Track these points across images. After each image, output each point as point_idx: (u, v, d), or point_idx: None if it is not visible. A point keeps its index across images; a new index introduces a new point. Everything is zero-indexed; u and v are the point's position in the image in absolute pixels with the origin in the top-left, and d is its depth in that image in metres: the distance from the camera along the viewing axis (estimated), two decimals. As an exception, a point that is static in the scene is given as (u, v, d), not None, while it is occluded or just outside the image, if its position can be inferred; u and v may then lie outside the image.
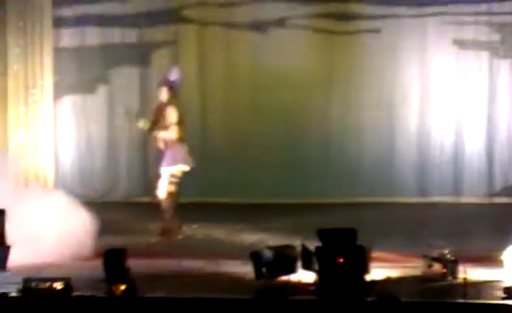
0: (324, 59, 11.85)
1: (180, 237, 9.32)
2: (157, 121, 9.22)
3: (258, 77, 11.84)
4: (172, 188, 9.19)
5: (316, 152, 11.87)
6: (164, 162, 9.21)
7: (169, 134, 9.14)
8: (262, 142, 11.52)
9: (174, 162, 9.16)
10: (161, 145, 9.30)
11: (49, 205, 8.31)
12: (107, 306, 6.65)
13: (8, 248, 7.20)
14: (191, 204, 11.14)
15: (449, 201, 11.70)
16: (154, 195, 9.38)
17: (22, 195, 8.44)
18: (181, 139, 9.18)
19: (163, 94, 9.14)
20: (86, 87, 12.37)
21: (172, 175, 9.18)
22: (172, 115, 9.08)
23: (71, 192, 9.58)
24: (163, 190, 9.22)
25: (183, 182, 9.43)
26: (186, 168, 9.24)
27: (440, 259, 7.23)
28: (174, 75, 9.23)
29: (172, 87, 9.17)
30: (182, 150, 9.19)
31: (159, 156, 9.36)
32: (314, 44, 11.84)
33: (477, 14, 11.68)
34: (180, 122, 9.17)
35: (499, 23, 11.66)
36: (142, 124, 9.30)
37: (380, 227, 9.57)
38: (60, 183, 11.13)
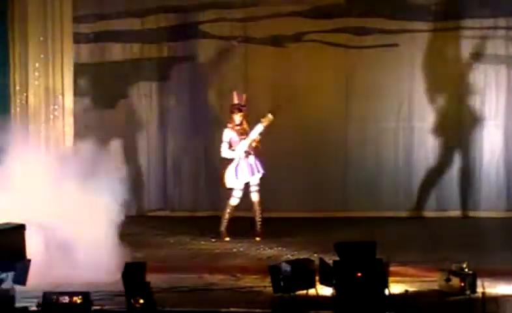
0: (341, 73, 11.85)
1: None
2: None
3: (276, 91, 11.85)
4: (257, 196, 10.21)
5: (334, 165, 11.87)
6: (260, 170, 10.12)
7: (243, 146, 10.12)
8: (279, 155, 11.54)
9: (254, 171, 10.15)
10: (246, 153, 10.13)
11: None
12: (126, 319, 6.70)
13: (28, 262, 7.25)
14: (209, 217, 11.21)
15: (466, 215, 11.69)
16: (253, 202, 10.17)
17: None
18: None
19: (239, 118, 10.10)
20: (106, 101, 12.45)
21: (248, 184, 10.19)
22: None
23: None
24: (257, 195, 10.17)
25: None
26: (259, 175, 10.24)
27: (458, 273, 7.22)
28: (243, 100, 10.19)
29: (242, 111, 10.14)
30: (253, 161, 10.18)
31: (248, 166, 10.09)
32: (332, 58, 11.85)
33: (495, 28, 11.67)
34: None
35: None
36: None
37: (398, 241, 9.57)
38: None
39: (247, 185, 10.16)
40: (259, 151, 10.20)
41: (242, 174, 10.07)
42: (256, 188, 10.14)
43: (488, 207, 11.66)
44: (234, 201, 10.13)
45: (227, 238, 10.11)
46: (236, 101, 10.17)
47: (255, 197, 10.15)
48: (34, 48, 11.61)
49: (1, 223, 7.49)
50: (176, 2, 12.18)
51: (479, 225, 11.10)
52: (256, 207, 10.14)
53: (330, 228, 10.45)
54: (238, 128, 10.10)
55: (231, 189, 10.16)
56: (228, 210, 10.16)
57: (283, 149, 11.65)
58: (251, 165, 10.09)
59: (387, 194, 11.79)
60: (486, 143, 11.76)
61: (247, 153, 10.08)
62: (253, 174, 10.09)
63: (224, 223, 10.17)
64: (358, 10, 11.82)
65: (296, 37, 11.97)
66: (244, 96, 10.24)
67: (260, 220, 10.15)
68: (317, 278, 7.22)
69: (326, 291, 7.07)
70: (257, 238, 10.02)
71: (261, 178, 10.18)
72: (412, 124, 11.93)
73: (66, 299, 6.67)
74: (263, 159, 10.26)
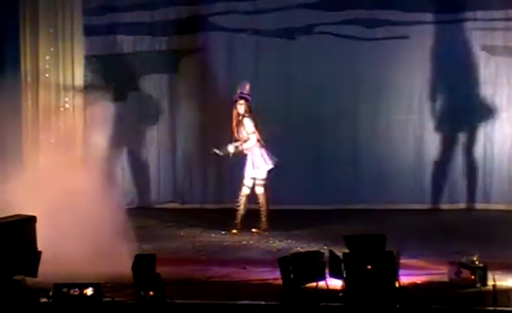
0: (352, 65, 11.84)
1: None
2: (237, 133, 10.12)
3: (286, 84, 11.86)
4: (261, 190, 10.13)
5: (344, 157, 11.86)
6: (247, 167, 10.10)
7: (250, 143, 10.03)
8: (290, 148, 11.53)
9: (254, 166, 10.05)
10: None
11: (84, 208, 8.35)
12: (136, 311, 6.72)
13: (38, 253, 7.27)
14: (219, 210, 11.23)
15: (477, 208, 11.67)
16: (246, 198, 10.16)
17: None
18: (260, 144, 10.06)
19: (242, 108, 10.05)
20: (117, 94, 12.45)
21: (254, 178, 10.10)
22: (250, 125, 10.04)
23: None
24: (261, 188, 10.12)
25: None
26: (268, 167, 10.11)
27: (468, 266, 7.20)
28: (247, 89, 10.10)
29: (247, 100, 10.02)
30: (261, 153, 10.05)
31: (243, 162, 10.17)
32: (342, 50, 11.83)
33: (506, 19, 11.62)
34: (256, 129, 10.07)
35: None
36: (233, 149, 10.13)
37: (408, 233, 9.55)
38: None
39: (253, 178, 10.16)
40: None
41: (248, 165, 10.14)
42: (262, 182, 10.11)
43: (499, 200, 11.64)
44: (245, 190, 10.12)
45: (234, 231, 10.07)
46: (238, 91, 10.10)
47: (259, 190, 10.10)
48: (45, 41, 11.63)
49: (11, 215, 7.51)
50: (186, -6, 12.20)
51: (490, 217, 11.07)
52: (261, 201, 10.08)
53: (340, 220, 10.45)
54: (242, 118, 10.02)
55: (242, 179, 10.15)
56: (242, 202, 10.10)
57: (293, 141, 11.65)
58: (252, 160, 10.09)
59: (397, 187, 11.76)
60: (497, 135, 11.73)
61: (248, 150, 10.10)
62: (251, 168, 10.09)
63: (239, 216, 10.13)
64: (369, 2, 11.79)
65: (306, 29, 11.94)
66: (247, 86, 10.15)
67: (264, 213, 10.08)
68: (327, 270, 7.21)
69: (335, 283, 7.07)
70: (258, 230, 9.99)
71: (271, 171, 10.15)
72: (422, 117, 11.90)
73: (76, 291, 6.70)
74: (272, 151, 10.23)
